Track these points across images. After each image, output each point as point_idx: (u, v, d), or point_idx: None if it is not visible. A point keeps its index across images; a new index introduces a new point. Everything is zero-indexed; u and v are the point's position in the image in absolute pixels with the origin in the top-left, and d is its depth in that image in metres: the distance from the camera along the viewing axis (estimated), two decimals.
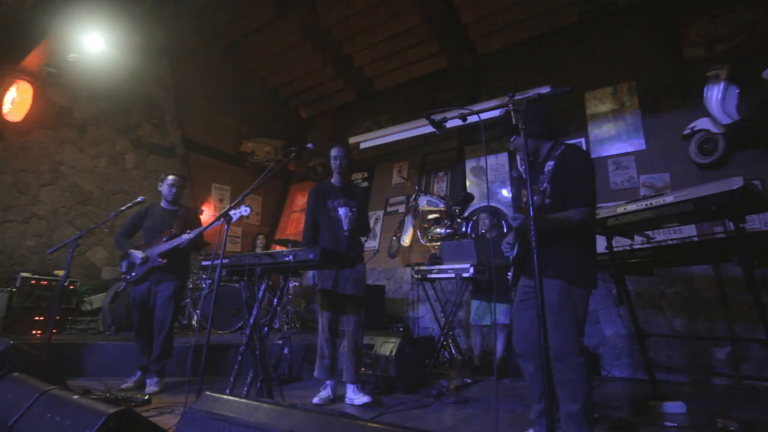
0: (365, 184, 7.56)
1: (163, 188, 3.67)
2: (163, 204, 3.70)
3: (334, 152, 3.31)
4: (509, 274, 2.23)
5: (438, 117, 2.11)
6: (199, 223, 3.77)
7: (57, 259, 5.01)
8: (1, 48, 4.85)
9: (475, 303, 4.31)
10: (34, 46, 4.87)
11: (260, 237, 6.48)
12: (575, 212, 1.95)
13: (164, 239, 3.48)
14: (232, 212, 2.82)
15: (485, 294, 4.19)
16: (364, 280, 3.31)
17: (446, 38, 6.63)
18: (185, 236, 3.38)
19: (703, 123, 4.48)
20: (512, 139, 2.19)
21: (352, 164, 3.46)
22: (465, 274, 3.81)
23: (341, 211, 3.17)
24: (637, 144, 5.14)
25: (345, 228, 3.14)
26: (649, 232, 3.18)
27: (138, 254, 3.43)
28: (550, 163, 2.08)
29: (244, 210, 2.84)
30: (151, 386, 3.29)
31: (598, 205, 2.52)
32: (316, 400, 3.04)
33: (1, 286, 4.44)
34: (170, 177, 3.70)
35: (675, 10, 5.30)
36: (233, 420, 1.26)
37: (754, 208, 2.57)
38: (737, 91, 4.22)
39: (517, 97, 1.76)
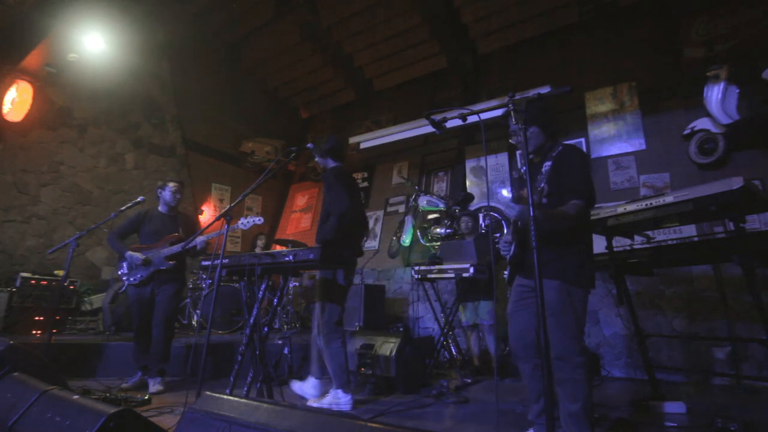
0: (365, 184, 7.56)
1: (166, 195, 3.65)
2: (162, 209, 3.69)
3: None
4: (505, 273, 2.22)
5: (438, 117, 2.10)
6: (198, 228, 3.78)
7: (57, 259, 5.01)
8: (1, 48, 4.86)
9: (464, 305, 4.30)
10: (34, 46, 4.88)
11: (261, 237, 6.48)
12: (569, 206, 1.96)
13: (169, 243, 3.49)
14: (243, 221, 2.82)
15: (471, 295, 4.18)
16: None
17: (446, 38, 6.63)
18: (201, 238, 3.38)
19: (703, 123, 4.48)
20: (531, 130, 2.11)
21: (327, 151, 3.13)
22: (465, 274, 3.80)
23: None
24: (637, 144, 5.14)
25: None
26: (649, 232, 3.17)
27: (138, 257, 3.42)
28: (548, 164, 2.09)
29: (257, 219, 2.84)
30: (155, 386, 3.29)
31: (598, 205, 2.52)
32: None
33: (1, 286, 4.44)
34: (172, 184, 3.68)
35: (675, 10, 5.30)
36: (233, 420, 1.26)
37: (754, 208, 2.57)
38: (737, 91, 4.22)
39: (517, 97, 1.76)
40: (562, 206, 1.98)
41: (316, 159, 3.22)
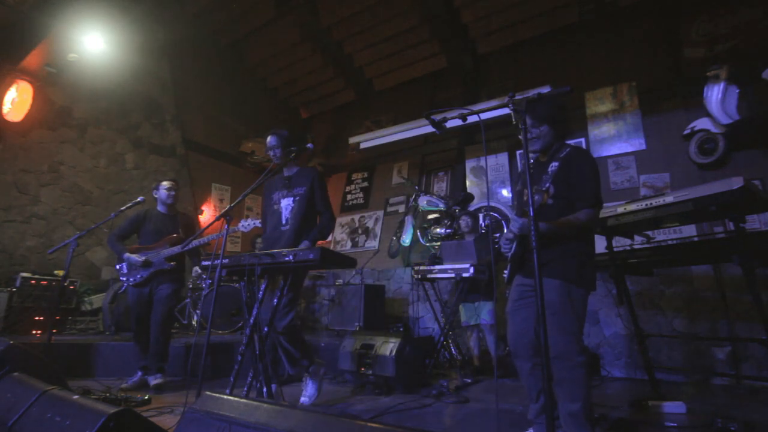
0: (365, 184, 7.56)
1: (161, 194, 3.66)
2: (161, 209, 3.70)
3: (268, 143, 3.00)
4: (505, 272, 2.22)
5: (438, 117, 2.10)
6: (198, 228, 3.78)
7: (57, 259, 5.01)
8: (1, 48, 4.86)
9: (464, 305, 4.30)
10: (34, 46, 4.87)
11: (258, 240, 6.45)
12: (580, 214, 1.97)
13: (169, 243, 3.49)
14: (243, 223, 2.83)
15: (471, 296, 4.18)
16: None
17: (446, 38, 6.64)
18: (195, 242, 3.37)
19: (703, 123, 4.48)
20: (542, 128, 2.10)
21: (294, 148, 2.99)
22: (465, 274, 3.81)
23: (282, 202, 2.99)
24: (637, 144, 5.14)
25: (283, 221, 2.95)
26: (649, 232, 3.18)
27: (136, 258, 3.43)
28: (554, 164, 2.08)
29: (258, 222, 2.85)
30: (156, 380, 3.31)
31: None
32: None
33: (1, 286, 4.44)
34: (166, 182, 3.70)
35: (675, 10, 5.30)
36: (233, 420, 1.26)
37: (754, 208, 2.57)
38: (737, 91, 4.23)
39: (517, 97, 1.76)
40: (569, 212, 1.98)
41: (272, 153, 2.97)
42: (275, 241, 2.94)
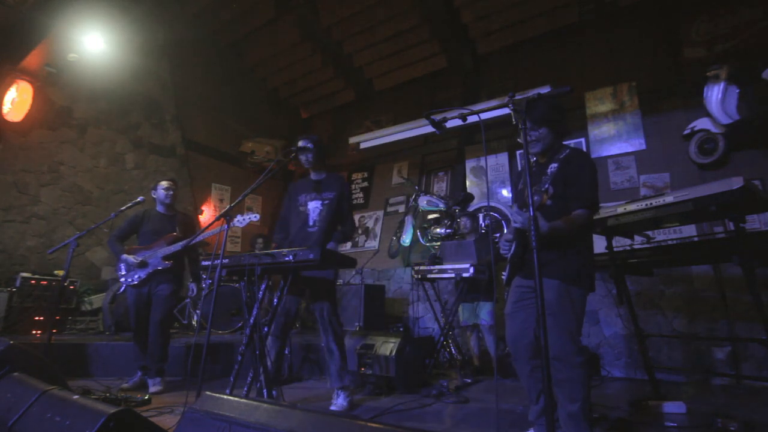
0: (365, 184, 7.56)
1: (158, 194, 3.66)
2: (159, 209, 3.70)
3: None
4: (504, 273, 2.21)
5: (438, 117, 2.10)
6: (197, 227, 3.78)
7: (57, 259, 5.01)
8: (1, 48, 4.86)
9: (463, 305, 4.30)
10: (34, 46, 4.87)
11: (259, 240, 6.43)
12: (575, 216, 1.96)
13: (166, 243, 3.49)
14: (240, 218, 2.83)
15: (471, 296, 4.17)
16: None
17: (446, 38, 6.63)
18: (198, 238, 3.36)
19: (703, 123, 4.48)
20: (541, 131, 2.09)
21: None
22: (465, 274, 3.81)
23: (310, 205, 3.04)
24: (637, 144, 5.14)
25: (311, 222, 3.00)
26: (649, 232, 3.18)
27: (132, 259, 3.42)
28: (554, 165, 2.08)
29: (253, 216, 2.85)
30: (155, 386, 3.29)
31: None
32: None
33: (1, 286, 4.44)
34: (164, 182, 3.70)
35: (675, 10, 5.30)
36: (233, 420, 1.26)
37: (754, 208, 2.57)
38: (737, 91, 4.22)
39: (517, 97, 1.76)
40: (567, 213, 1.98)
41: (305, 158, 3.02)
42: (302, 242, 2.96)
